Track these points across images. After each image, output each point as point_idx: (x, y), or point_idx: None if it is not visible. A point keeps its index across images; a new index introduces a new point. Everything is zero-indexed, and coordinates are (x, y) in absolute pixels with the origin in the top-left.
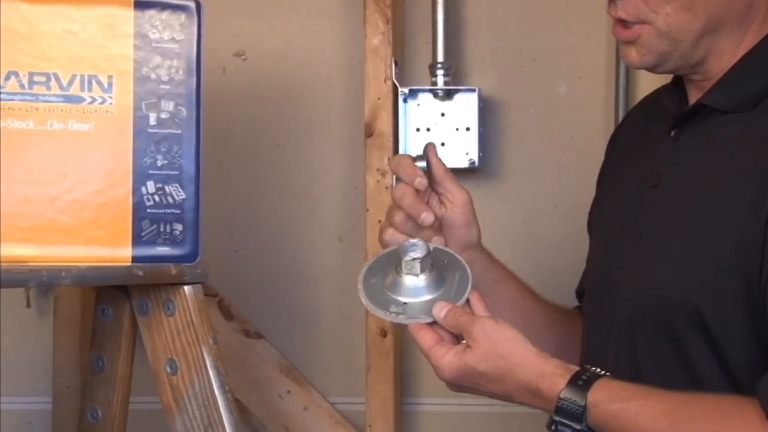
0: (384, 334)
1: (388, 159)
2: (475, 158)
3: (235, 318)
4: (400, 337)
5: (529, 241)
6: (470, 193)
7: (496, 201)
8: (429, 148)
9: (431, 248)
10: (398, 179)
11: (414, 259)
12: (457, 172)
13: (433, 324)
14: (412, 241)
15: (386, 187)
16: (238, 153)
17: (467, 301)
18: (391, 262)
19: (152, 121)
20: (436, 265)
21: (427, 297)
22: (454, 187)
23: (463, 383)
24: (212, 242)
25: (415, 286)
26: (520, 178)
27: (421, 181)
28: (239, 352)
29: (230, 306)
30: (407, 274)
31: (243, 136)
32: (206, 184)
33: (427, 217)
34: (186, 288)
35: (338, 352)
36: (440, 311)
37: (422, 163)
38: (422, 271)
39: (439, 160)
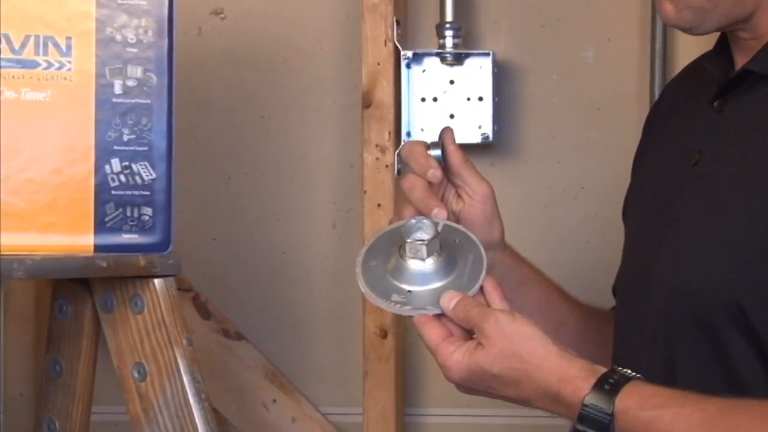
0: (384, 335)
1: (389, 133)
2: (489, 132)
3: (212, 316)
4: (403, 338)
5: (551, 228)
6: (491, 183)
7: (513, 182)
8: (446, 133)
9: (441, 226)
10: (409, 169)
11: (420, 241)
12: (468, 149)
13: (442, 316)
14: (418, 219)
15: (386, 166)
16: (216, 126)
17: (481, 288)
18: (395, 243)
19: (117, 89)
20: (446, 247)
21: (435, 284)
22: (474, 179)
23: (473, 385)
24: (187, 229)
25: (421, 271)
26: (540, 156)
27: (435, 173)
28: (218, 355)
29: (207, 302)
30: (412, 257)
31: (222, 107)
32: (180, 162)
33: (439, 214)
34: (156, 281)
35: (331, 355)
36: (449, 302)
37: (437, 151)
38: (429, 254)
39: (457, 147)
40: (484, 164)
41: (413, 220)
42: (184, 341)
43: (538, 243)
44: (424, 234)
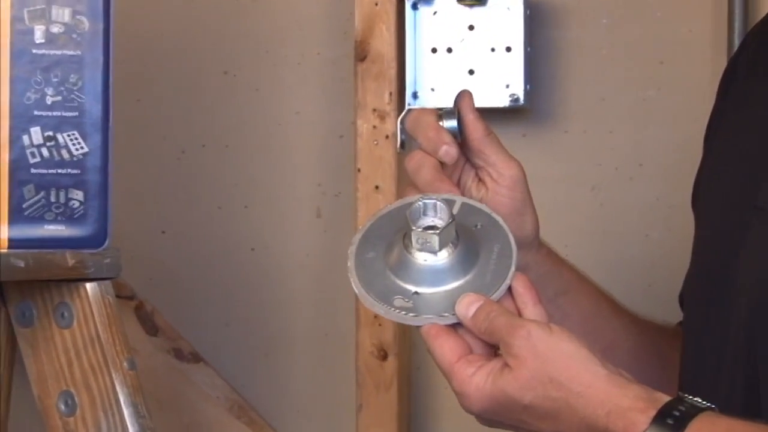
0: (383, 356)
1: (389, 95)
2: (520, 93)
3: (161, 331)
4: (408, 359)
5: (599, 217)
6: (521, 162)
7: (551, 158)
8: (463, 98)
9: (457, 206)
10: (415, 143)
11: (430, 229)
12: (492, 115)
13: (458, 327)
14: (428, 200)
15: (386, 137)
16: (166, 86)
17: (509, 290)
18: (398, 229)
19: (39, 37)
20: (464, 234)
21: (450, 284)
22: (499, 158)
23: (498, 418)
24: (128, 219)
25: (431, 267)
26: (586, 124)
27: (448, 151)
28: (167, 381)
29: (154, 313)
30: (420, 250)
31: (174, 61)
32: (119, 132)
33: None
34: (89, 286)
35: (315, 382)
36: (468, 308)
37: (452, 122)
38: (442, 246)
39: (478, 116)
40: (513, 135)
41: (421, 201)
42: (125, 364)
43: (582, 237)
44: (436, 219)
